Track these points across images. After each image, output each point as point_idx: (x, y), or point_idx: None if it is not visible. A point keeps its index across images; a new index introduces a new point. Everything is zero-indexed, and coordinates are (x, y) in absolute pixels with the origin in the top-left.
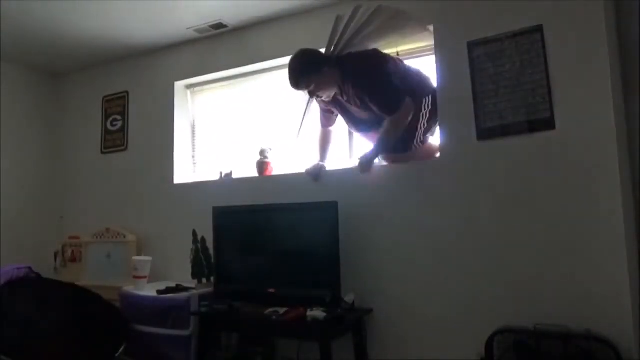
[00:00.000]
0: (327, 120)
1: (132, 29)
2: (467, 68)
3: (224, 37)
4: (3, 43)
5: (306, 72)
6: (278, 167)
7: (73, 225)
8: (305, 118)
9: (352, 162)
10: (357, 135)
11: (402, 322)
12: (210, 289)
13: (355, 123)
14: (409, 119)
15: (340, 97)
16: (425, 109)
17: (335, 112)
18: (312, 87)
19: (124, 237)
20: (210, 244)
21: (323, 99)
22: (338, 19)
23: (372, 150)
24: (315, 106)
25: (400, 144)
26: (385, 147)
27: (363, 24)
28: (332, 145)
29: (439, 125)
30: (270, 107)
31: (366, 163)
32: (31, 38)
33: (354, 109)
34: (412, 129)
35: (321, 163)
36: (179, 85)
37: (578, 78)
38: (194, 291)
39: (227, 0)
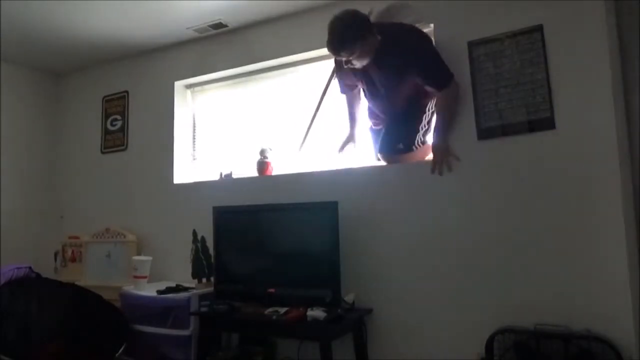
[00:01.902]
0: (348, 88)
1: (132, 29)
2: (467, 68)
3: (223, 37)
4: (3, 43)
5: (352, 39)
6: (278, 167)
7: (73, 225)
8: (309, 131)
9: (353, 162)
10: (371, 107)
11: (402, 322)
12: (210, 289)
13: (374, 97)
14: (457, 103)
15: (369, 67)
16: (428, 111)
17: (359, 85)
18: (354, 56)
19: (124, 237)
20: (210, 244)
21: (357, 67)
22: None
23: (439, 135)
24: (318, 118)
25: (400, 144)
26: (448, 128)
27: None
28: (361, 106)
29: None
30: (270, 107)
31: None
32: (31, 38)
33: (379, 82)
34: (413, 129)
35: (351, 135)
36: (179, 85)
37: (578, 78)
38: (194, 291)
39: (227, 0)
